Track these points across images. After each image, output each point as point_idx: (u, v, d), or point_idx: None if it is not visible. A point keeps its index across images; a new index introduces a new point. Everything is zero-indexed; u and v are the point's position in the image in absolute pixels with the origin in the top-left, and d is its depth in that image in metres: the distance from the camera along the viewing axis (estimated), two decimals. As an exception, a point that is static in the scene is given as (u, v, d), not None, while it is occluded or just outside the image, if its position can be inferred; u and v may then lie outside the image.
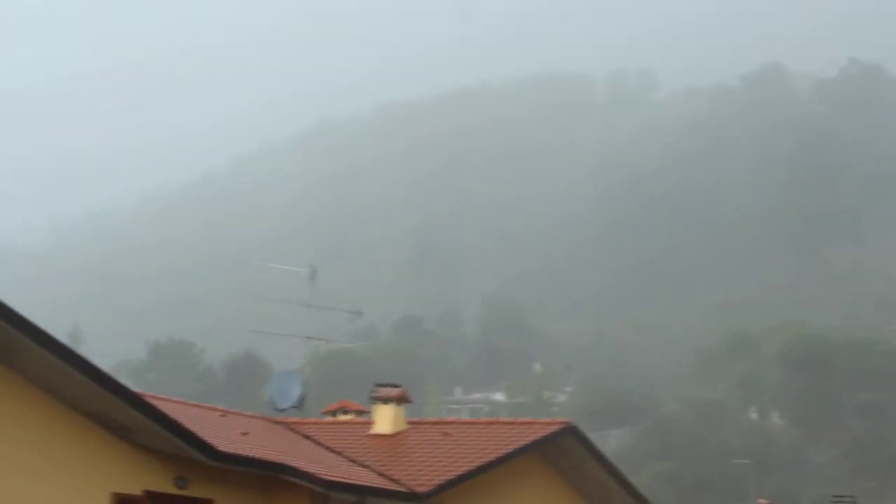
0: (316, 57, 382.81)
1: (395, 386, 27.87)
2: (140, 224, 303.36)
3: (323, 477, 21.18)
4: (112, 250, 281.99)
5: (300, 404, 29.10)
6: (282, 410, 29.06)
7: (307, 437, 26.72)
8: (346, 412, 30.09)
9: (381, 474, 23.54)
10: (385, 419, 27.22)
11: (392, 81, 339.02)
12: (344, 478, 21.90)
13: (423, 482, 23.11)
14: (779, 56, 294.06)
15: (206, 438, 20.18)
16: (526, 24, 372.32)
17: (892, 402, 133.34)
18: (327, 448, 25.73)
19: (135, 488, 19.91)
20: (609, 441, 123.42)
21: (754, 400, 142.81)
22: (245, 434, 23.60)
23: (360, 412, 29.94)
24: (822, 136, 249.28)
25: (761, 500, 68.10)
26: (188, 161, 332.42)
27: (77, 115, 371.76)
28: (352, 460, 24.65)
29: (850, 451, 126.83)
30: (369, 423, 27.73)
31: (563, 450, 26.83)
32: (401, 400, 27.48)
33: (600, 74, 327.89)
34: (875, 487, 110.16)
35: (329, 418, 29.87)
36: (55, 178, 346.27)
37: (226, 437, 22.17)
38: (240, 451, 21.11)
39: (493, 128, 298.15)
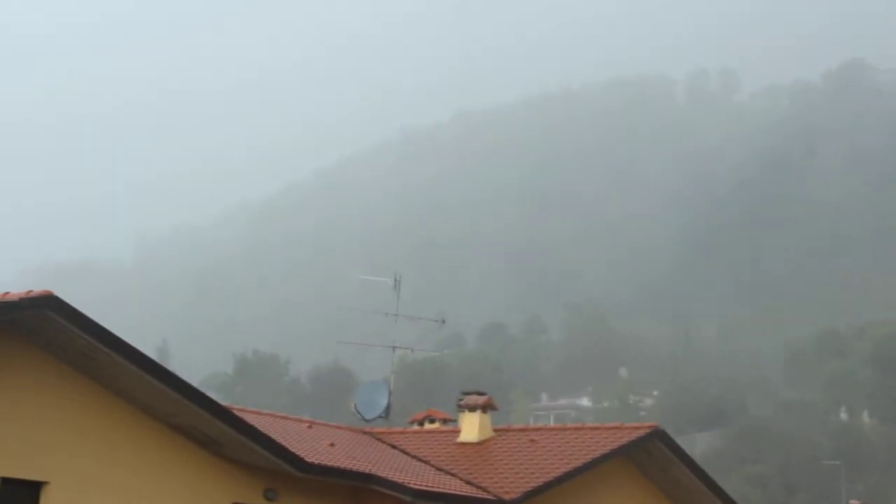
0: (393, 66, 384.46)
1: (481, 394, 27.89)
2: (224, 238, 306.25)
3: (411, 486, 21.28)
4: (197, 265, 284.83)
5: (387, 414, 29.24)
6: (369, 420, 29.20)
7: (394, 447, 26.84)
8: (432, 421, 30.16)
9: (468, 482, 23.59)
10: (471, 427, 27.26)
11: (472, 88, 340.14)
12: (432, 486, 21.99)
13: (510, 489, 23.13)
14: (860, 51, 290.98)
15: (294, 450, 20.36)
16: (604, 27, 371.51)
17: None
18: (414, 457, 25.83)
19: (224, 501, 20.12)
20: (697, 445, 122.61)
21: (844, 400, 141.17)
22: (332, 445, 23.76)
23: (446, 420, 30.00)
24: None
25: (853, 501, 67.40)
26: (271, 173, 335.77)
27: (161, 132, 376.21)
28: (439, 469, 24.72)
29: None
30: (456, 432, 27.78)
31: (650, 454, 26.73)
32: (487, 407, 27.50)
33: (680, 75, 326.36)
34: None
35: (416, 427, 29.96)
36: (140, 195, 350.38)
37: (313, 449, 22.34)
38: (327, 462, 21.27)
39: (575, 132, 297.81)
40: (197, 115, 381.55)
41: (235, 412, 20.28)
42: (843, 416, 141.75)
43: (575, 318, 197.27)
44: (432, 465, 25.06)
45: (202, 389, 19.46)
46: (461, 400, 27.85)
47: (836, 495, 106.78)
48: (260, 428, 19.94)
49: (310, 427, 26.00)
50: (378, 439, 27.66)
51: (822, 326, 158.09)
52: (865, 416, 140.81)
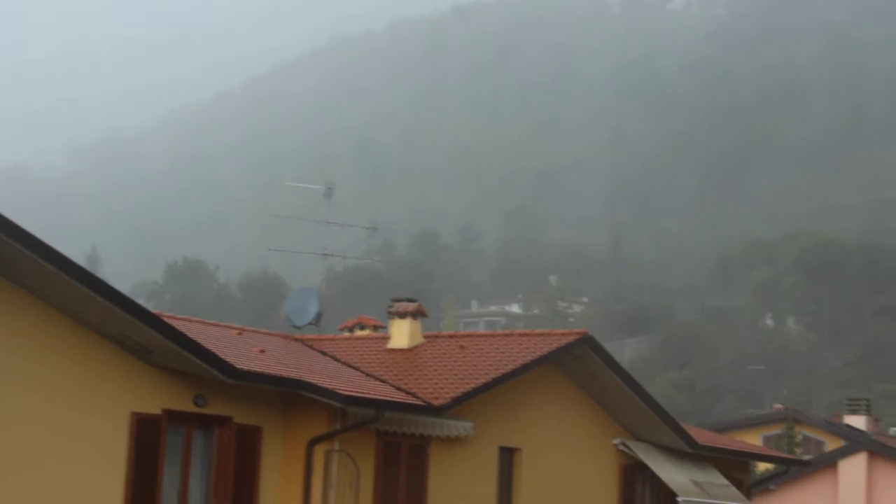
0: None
1: (412, 300, 28.00)
2: (155, 146, 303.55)
3: (341, 392, 21.42)
4: (129, 173, 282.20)
5: (317, 321, 29.29)
6: (299, 327, 29.26)
7: (324, 354, 26.95)
8: (362, 327, 30.28)
9: (398, 388, 23.78)
10: (401, 333, 27.42)
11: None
12: (361, 392, 22.15)
13: (439, 395, 23.35)
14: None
15: (223, 357, 20.41)
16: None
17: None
18: (344, 364, 25.97)
19: (154, 407, 20.18)
20: (625, 351, 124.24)
21: (771, 307, 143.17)
22: (262, 352, 23.82)
23: (376, 327, 30.14)
24: (842, 43, 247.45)
25: (777, 405, 68.62)
26: (203, 82, 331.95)
27: (90, 44, 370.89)
28: (369, 375, 24.89)
29: (865, 354, 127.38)
30: (386, 338, 27.94)
31: (578, 360, 27.04)
32: (417, 314, 27.64)
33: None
34: (890, 390, 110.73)
35: (346, 334, 30.08)
36: (70, 104, 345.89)
37: (243, 355, 22.40)
38: (257, 369, 21.34)
39: (510, 38, 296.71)
40: (129, 29, 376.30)
41: (164, 319, 20.27)
42: (769, 322, 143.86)
43: (506, 227, 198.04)
44: (362, 372, 25.22)
45: (132, 297, 19.44)
46: (391, 307, 27.98)
47: (760, 399, 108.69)
48: (189, 335, 19.96)
49: (239, 334, 26.02)
50: (308, 346, 27.76)
51: (751, 235, 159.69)
52: (791, 323, 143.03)
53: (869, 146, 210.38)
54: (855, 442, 48.00)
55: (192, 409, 20.73)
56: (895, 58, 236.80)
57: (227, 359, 20.52)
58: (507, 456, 25.90)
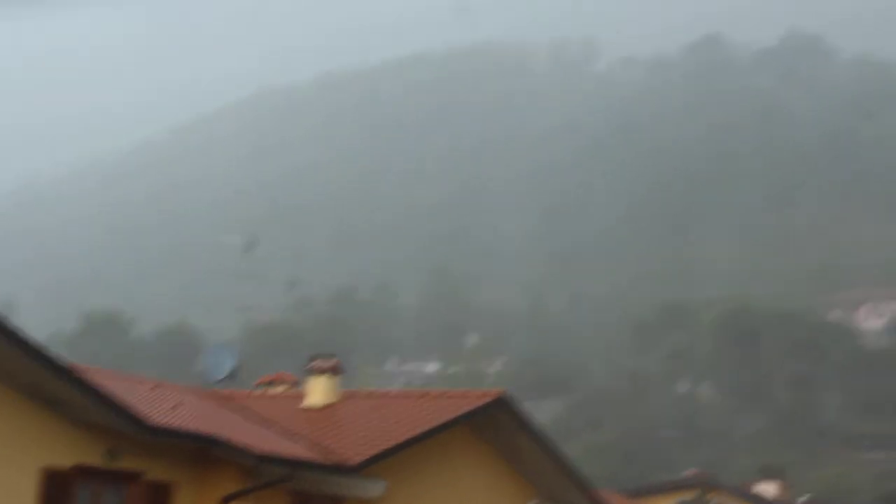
0: (254, 23, 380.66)
1: (329, 357, 27.97)
2: (75, 194, 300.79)
3: (254, 450, 21.29)
4: (46, 220, 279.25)
5: (234, 376, 29.15)
6: (215, 382, 29.08)
7: (240, 410, 26.79)
8: (279, 384, 30.17)
9: (313, 446, 23.67)
10: (318, 391, 27.35)
11: (334, 50, 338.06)
12: (275, 451, 22.02)
13: (354, 454, 23.28)
14: (718, 26, 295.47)
15: (137, 411, 20.23)
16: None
17: (820, 374, 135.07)
18: (260, 420, 25.82)
19: (65, 461, 19.94)
20: (541, 412, 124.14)
21: (686, 371, 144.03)
22: (177, 406, 23.64)
23: (293, 384, 30.02)
24: (761, 107, 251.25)
25: (690, 471, 68.97)
26: (125, 130, 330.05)
27: (12, 84, 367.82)
28: (284, 433, 24.76)
29: (778, 421, 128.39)
30: (302, 395, 27.84)
31: (494, 421, 27.09)
32: (334, 371, 27.60)
33: (543, 43, 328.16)
34: (802, 457, 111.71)
35: (262, 390, 29.94)
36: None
37: (157, 410, 22.21)
38: (171, 424, 21.17)
39: (435, 96, 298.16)
40: (52, 72, 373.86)
41: (78, 371, 20.07)
42: (684, 386, 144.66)
43: (425, 285, 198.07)
44: (278, 429, 25.09)
45: (46, 347, 19.23)
46: (309, 363, 27.91)
47: (674, 464, 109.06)
48: (103, 388, 19.76)
49: (155, 388, 25.81)
50: (224, 402, 27.59)
51: (668, 299, 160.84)
52: (705, 388, 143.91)
53: (788, 214, 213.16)
54: (766, 509, 48.35)
55: (103, 463, 20.49)
56: (819, 125, 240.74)
57: (141, 413, 20.34)
58: (421, 517, 25.84)
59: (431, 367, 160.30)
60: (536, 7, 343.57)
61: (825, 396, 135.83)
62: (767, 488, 54.99)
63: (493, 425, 27.22)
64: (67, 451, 19.99)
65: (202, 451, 21.73)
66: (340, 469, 22.82)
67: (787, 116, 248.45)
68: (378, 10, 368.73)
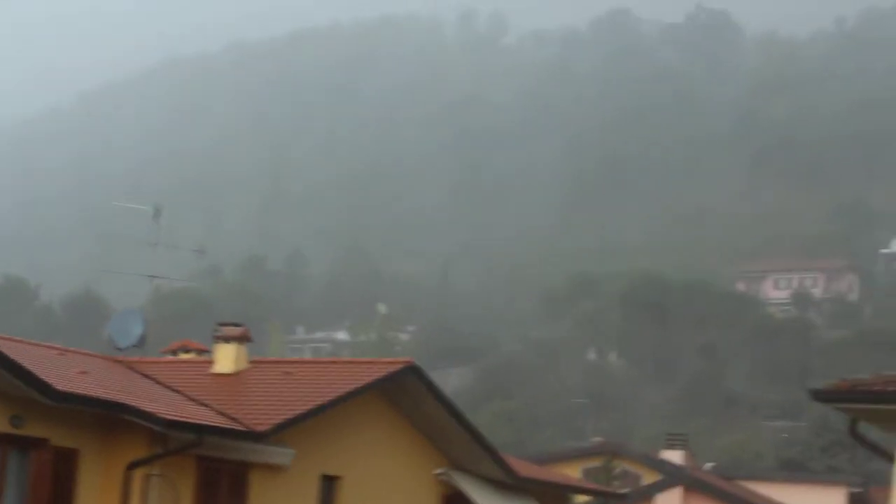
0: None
1: (238, 325, 27.87)
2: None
3: (162, 416, 21.19)
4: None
5: (141, 343, 28.95)
6: (122, 349, 28.87)
7: (147, 377, 26.62)
8: (187, 351, 30.02)
9: (220, 413, 23.60)
10: (226, 358, 27.22)
11: (245, 20, 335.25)
12: (183, 417, 21.94)
13: (262, 421, 23.24)
14: (626, 1, 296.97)
15: (43, 377, 20.04)
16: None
17: (726, 343, 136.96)
18: (167, 387, 25.69)
19: (-30, 427, 19.75)
20: (450, 380, 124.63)
21: (594, 340, 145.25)
22: (84, 373, 23.44)
23: (201, 351, 29.89)
24: (669, 83, 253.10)
25: (596, 438, 69.65)
26: (32, 98, 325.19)
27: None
28: (192, 399, 24.66)
29: (684, 390, 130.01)
30: (210, 363, 27.72)
31: (403, 389, 27.15)
32: (242, 339, 27.49)
33: (451, 17, 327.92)
34: (707, 425, 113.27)
35: (170, 357, 29.77)
36: None
37: (64, 376, 22.01)
38: (78, 391, 21.00)
39: (343, 67, 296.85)
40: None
41: (-17, 337, 19.85)
42: (592, 355, 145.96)
43: (335, 253, 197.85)
44: (185, 396, 24.98)
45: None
46: (217, 331, 27.79)
47: (581, 432, 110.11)
48: (8, 354, 19.55)
49: (61, 354, 25.58)
50: (131, 369, 27.39)
51: (576, 269, 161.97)
52: (613, 357, 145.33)
53: (695, 187, 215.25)
54: (671, 476, 48.97)
55: (8, 429, 20.29)
56: (726, 100, 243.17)
57: (47, 379, 20.16)
58: (329, 484, 25.86)
59: (341, 336, 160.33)
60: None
61: (731, 366, 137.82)
62: (673, 456, 55.60)
63: (402, 393, 27.29)
64: (-29, 418, 19.80)
65: (109, 418, 21.59)
66: (249, 435, 22.79)
67: (695, 92, 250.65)
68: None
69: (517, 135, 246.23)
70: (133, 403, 21.43)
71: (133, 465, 21.65)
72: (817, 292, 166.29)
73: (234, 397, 25.14)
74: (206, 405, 24.17)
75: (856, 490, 53.78)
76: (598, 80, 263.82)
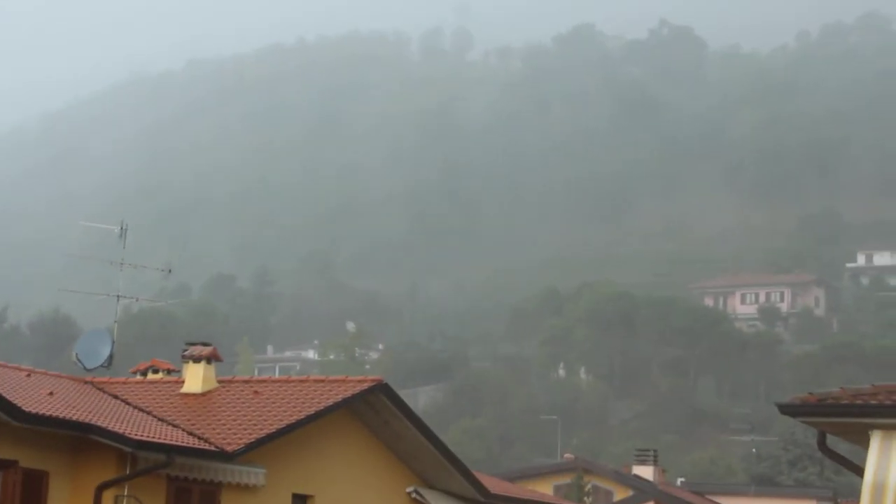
0: (126, 7, 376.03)
1: (206, 344, 27.82)
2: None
3: (131, 436, 21.11)
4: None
5: (109, 363, 28.83)
6: (90, 370, 28.74)
7: (116, 397, 26.52)
8: (155, 371, 29.91)
9: (190, 433, 23.53)
10: (195, 378, 27.15)
11: (207, 37, 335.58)
12: (153, 437, 21.85)
13: (232, 440, 23.19)
14: (590, 17, 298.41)
15: (10, 398, 19.94)
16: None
17: (694, 359, 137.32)
18: (136, 407, 25.60)
19: (-63, 450, 19.61)
20: (419, 398, 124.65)
21: (562, 357, 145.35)
22: (51, 394, 23.34)
23: (170, 371, 29.80)
24: (634, 97, 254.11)
25: (567, 455, 69.64)
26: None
27: None
28: (161, 419, 24.57)
29: (653, 406, 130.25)
30: (179, 382, 27.63)
31: (373, 407, 27.14)
32: (211, 358, 27.43)
33: (416, 33, 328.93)
34: (676, 441, 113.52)
35: (138, 377, 29.66)
36: None
37: (32, 398, 21.91)
38: (45, 412, 20.90)
39: (308, 83, 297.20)
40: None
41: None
42: (561, 372, 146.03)
43: (303, 272, 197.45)
44: (154, 416, 24.89)
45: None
46: (185, 350, 27.72)
47: (551, 448, 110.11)
48: (-25, 376, 19.47)
49: (28, 375, 25.47)
50: (100, 389, 27.28)
51: (546, 285, 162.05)
52: (581, 373, 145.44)
53: (661, 202, 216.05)
54: (642, 492, 49.05)
55: (-25, 452, 20.18)
56: (691, 115, 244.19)
57: (15, 400, 20.06)
58: (300, 503, 25.81)
59: (310, 355, 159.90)
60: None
61: (700, 381, 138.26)
62: (644, 471, 55.67)
63: (373, 411, 27.28)
64: (-62, 440, 19.65)
65: (78, 439, 21.49)
66: (219, 455, 22.72)
67: (660, 107, 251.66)
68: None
69: (483, 151, 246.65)
70: (102, 424, 21.34)
71: (103, 487, 21.53)
72: (784, 307, 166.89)
73: (204, 417, 25.06)
74: (175, 425, 24.09)
75: (825, 503, 54.03)
76: (562, 96, 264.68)
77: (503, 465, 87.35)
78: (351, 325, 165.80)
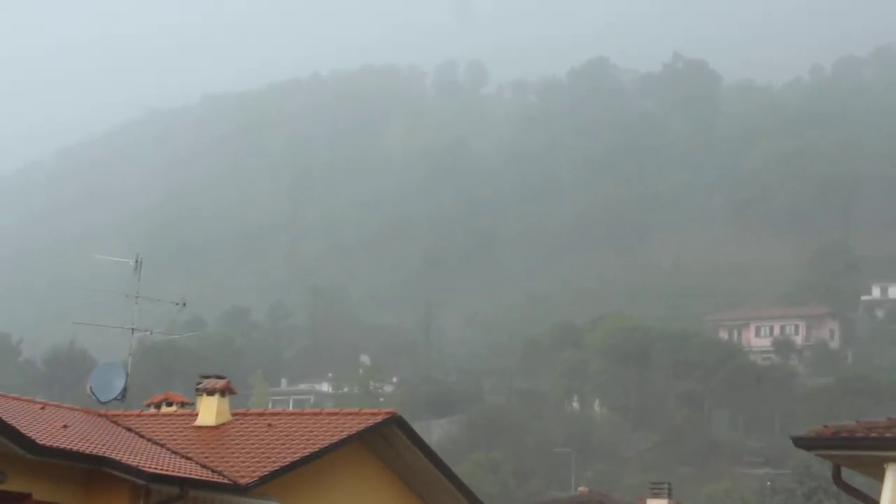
0: (141, 45, 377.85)
1: (220, 377, 27.82)
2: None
3: (145, 469, 21.10)
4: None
5: (123, 396, 28.84)
6: (104, 403, 28.76)
7: (130, 430, 26.52)
8: (169, 404, 29.90)
9: (204, 466, 23.51)
10: (209, 411, 27.14)
11: (222, 73, 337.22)
12: (166, 470, 21.84)
13: (246, 473, 23.16)
14: (604, 50, 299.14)
15: (24, 431, 19.95)
16: (354, 16, 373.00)
17: (709, 391, 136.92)
18: (150, 440, 25.59)
19: (-49, 482, 19.61)
20: (434, 431, 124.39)
21: (577, 390, 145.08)
22: (66, 427, 23.35)
23: (184, 404, 29.79)
24: (647, 131, 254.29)
25: (581, 488, 69.41)
26: (12, 149, 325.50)
27: None
28: (175, 452, 24.56)
29: (668, 438, 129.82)
30: (193, 415, 27.63)
31: (387, 440, 27.09)
32: (225, 391, 27.43)
33: (430, 67, 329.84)
34: (691, 473, 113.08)
35: (152, 410, 29.66)
36: None
37: (46, 430, 21.92)
38: (59, 444, 20.90)
39: (323, 116, 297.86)
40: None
41: (-35, 392, 19.77)
42: (576, 405, 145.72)
43: (318, 305, 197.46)
44: (168, 449, 24.88)
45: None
46: (199, 383, 27.73)
47: (566, 481, 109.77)
48: (-10, 408, 19.49)
49: (43, 408, 25.48)
50: (113, 422, 27.28)
51: (559, 318, 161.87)
52: (596, 406, 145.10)
53: (675, 235, 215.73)
54: (656, 525, 48.73)
55: (-10, 484, 20.17)
56: (705, 148, 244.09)
57: (29, 434, 20.06)
58: (313, 536, 25.77)
59: (324, 388, 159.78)
60: (424, 32, 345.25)
61: (714, 414, 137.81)
62: (658, 504, 55.36)
63: (386, 444, 27.23)
64: (-47, 473, 19.65)
65: (92, 472, 21.48)
66: (233, 488, 22.69)
67: (673, 140, 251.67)
68: (266, 34, 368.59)
69: (497, 185, 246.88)
70: (116, 457, 21.33)
71: (116, 519, 21.52)
72: (799, 339, 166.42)
73: (218, 450, 25.04)
74: (189, 458, 24.08)
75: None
76: (576, 129, 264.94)
77: (518, 499, 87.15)
78: (365, 358, 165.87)
